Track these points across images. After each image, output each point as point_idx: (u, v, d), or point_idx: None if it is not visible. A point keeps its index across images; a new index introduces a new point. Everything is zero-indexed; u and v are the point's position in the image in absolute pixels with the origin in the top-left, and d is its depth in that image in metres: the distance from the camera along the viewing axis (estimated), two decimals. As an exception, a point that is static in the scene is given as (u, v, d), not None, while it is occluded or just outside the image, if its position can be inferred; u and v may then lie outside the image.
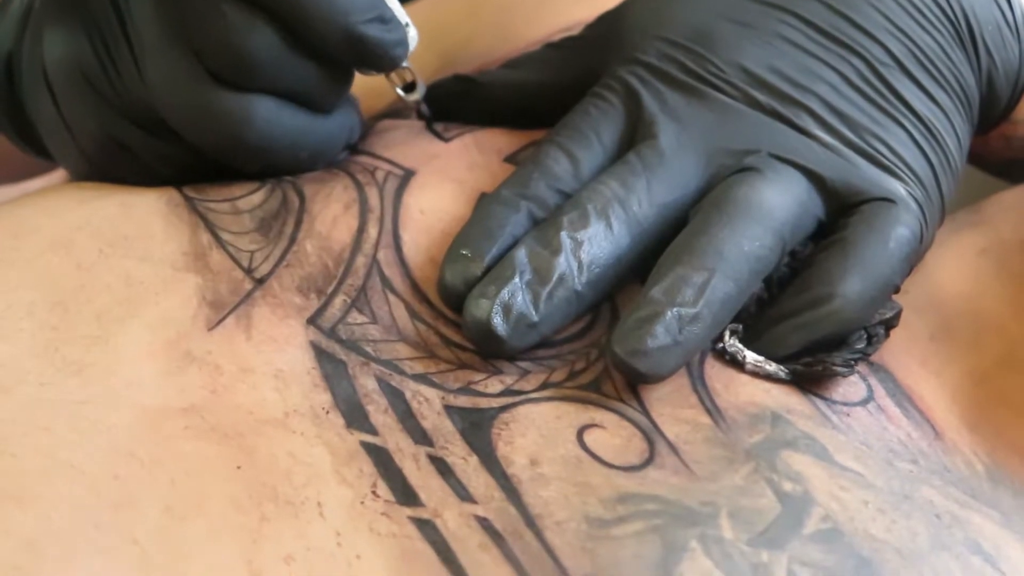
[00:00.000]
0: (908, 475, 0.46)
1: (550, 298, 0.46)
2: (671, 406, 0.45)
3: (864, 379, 0.49)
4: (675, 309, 0.45)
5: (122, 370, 0.44)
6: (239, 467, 0.41)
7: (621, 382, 0.46)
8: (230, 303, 0.46)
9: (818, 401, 0.47)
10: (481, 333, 0.46)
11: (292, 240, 0.48)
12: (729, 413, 0.46)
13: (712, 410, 0.46)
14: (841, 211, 0.49)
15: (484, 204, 0.49)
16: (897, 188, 0.48)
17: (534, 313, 0.46)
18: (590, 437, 0.44)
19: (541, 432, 0.44)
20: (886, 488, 0.45)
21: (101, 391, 0.43)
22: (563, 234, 0.47)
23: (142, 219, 0.48)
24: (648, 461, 0.44)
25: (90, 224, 0.48)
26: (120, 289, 0.46)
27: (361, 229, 0.49)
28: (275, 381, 0.44)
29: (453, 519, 0.41)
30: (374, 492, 0.42)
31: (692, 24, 0.51)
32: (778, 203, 0.48)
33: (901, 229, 0.48)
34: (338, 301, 0.47)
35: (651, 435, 0.44)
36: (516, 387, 0.45)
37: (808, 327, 0.47)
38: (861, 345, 0.48)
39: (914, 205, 0.49)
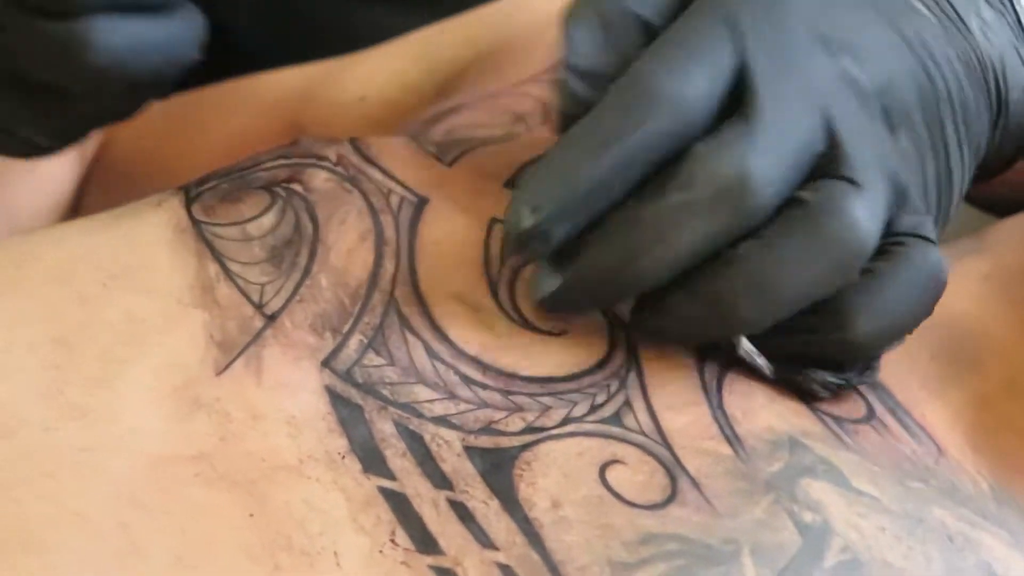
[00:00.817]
0: (920, 495, 0.45)
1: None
2: (692, 437, 0.44)
3: (863, 396, 0.48)
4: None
5: (126, 416, 0.42)
6: (251, 515, 0.40)
7: (643, 412, 0.44)
8: (239, 342, 0.44)
9: (829, 420, 0.46)
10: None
11: (306, 272, 0.47)
12: (748, 442, 0.45)
13: (732, 439, 0.44)
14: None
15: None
16: (931, 228, 0.47)
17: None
18: (612, 475, 0.43)
19: (563, 471, 0.43)
20: (901, 512, 0.44)
21: (105, 437, 0.42)
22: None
23: (146, 248, 0.47)
24: (670, 498, 0.43)
25: (93, 254, 0.47)
26: (123, 327, 0.44)
27: (378, 263, 0.47)
28: (288, 427, 0.43)
29: (474, 567, 0.40)
30: (393, 540, 0.40)
31: None
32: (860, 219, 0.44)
33: (937, 272, 0.46)
34: (354, 341, 0.45)
35: (673, 470, 0.43)
36: (537, 424, 0.44)
37: (812, 344, 0.46)
38: (852, 373, 0.47)
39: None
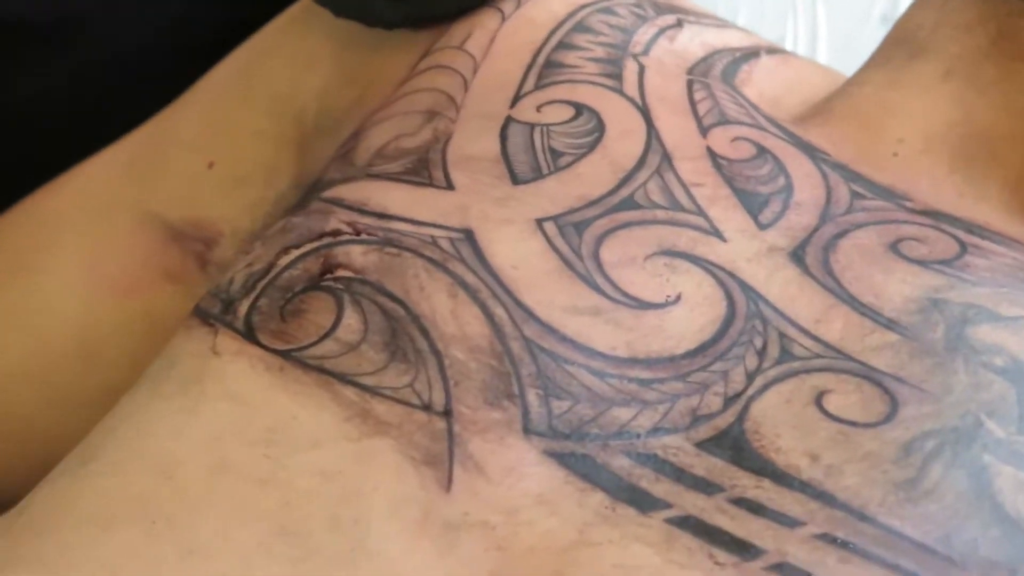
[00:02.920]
0: None
1: None
2: (857, 339, 0.46)
3: (945, 232, 0.50)
4: None
5: (401, 571, 0.41)
6: None
7: (805, 338, 0.46)
8: (441, 451, 0.44)
9: (941, 267, 0.48)
10: None
11: (437, 354, 0.45)
12: (903, 320, 0.47)
13: (890, 325, 0.46)
14: None
15: None
16: None
17: None
18: (832, 406, 0.45)
19: (790, 424, 0.44)
20: None
21: None
22: None
23: (265, 403, 0.45)
24: (894, 406, 0.44)
25: (234, 433, 0.44)
26: (328, 492, 0.43)
27: (488, 314, 0.46)
28: (547, 507, 0.42)
29: (801, 551, 0.41)
30: (715, 561, 0.41)
31: None
32: None
33: None
34: (533, 397, 0.45)
35: (872, 376, 0.45)
36: (731, 392, 0.45)
37: None
38: None
39: None
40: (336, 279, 0.49)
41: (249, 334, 0.48)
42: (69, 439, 0.60)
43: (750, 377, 0.45)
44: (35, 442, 0.65)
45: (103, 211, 0.63)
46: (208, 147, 0.62)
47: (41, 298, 0.63)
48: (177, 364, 0.48)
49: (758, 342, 0.46)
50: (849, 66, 0.61)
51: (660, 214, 0.49)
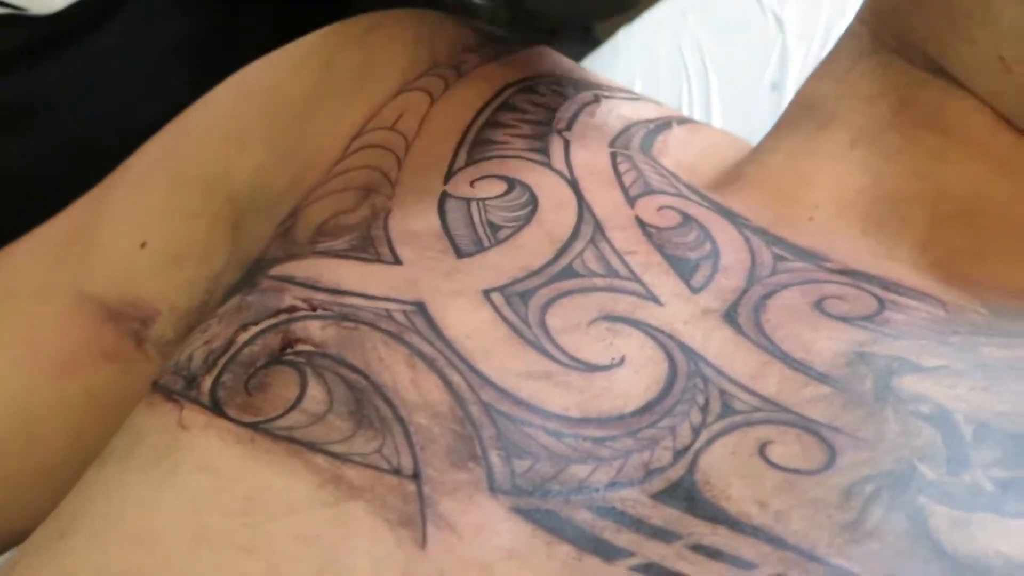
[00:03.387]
0: (966, 345, 0.52)
1: None
2: (793, 392, 0.49)
3: (864, 290, 0.54)
4: None
5: None
6: None
7: (745, 393, 0.49)
8: (413, 511, 0.46)
9: (862, 323, 0.52)
10: None
11: (401, 421, 0.48)
12: (832, 373, 0.50)
13: (821, 378, 0.50)
14: None
15: None
16: None
17: None
18: (775, 456, 0.48)
19: (736, 474, 0.47)
20: (968, 367, 0.51)
21: None
22: None
23: (236, 478, 0.47)
24: (832, 454, 0.48)
25: (212, 503, 0.46)
26: (310, 555, 0.45)
27: (447, 382, 0.49)
28: (517, 562, 0.45)
29: None
30: None
31: None
32: None
33: None
34: (495, 458, 0.47)
35: (809, 426, 0.48)
36: (679, 445, 0.48)
37: None
38: None
39: None
40: (297, 353, 0.51)
41: (216, 408, 0.50)
42: (10, 518, 0.61)
43: (696, 431, 0.48)
44: None
45: (38, 292, 0.64)
46: (140, 227, 0.64)
47: None
48: (145, 439, 0.50)
49: (700, 399, 0.49)
50: (743, 131, 0.65)
51: (599, 281, 0.52)
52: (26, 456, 0.65)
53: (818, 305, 0.52)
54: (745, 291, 0.52)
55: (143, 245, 0.64)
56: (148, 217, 0.64)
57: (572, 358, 0.50)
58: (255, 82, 0.64)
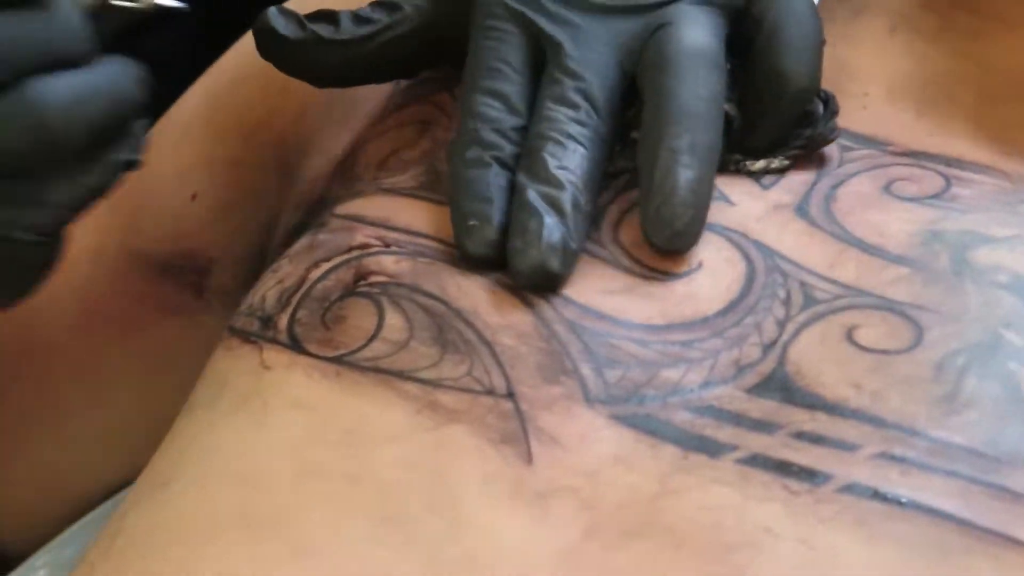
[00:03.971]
0: None
1: (576, 223, 0.49)
2: (872, 275, 0.50)
3: (933, 170, 0.54)
4: (683, 179, 0.49)
5: (502, 540, 0.44)
6: (701, 551, 0.43)
7: (824, 283, 0.49)
8: (516, 430, 0.46)
9: (933, 201, 0.52)
10: (542, 277, 0.48)
11: (486, 343, 0.48)
12: (909, 254, 0.50)
13: (899, 260, 0.50)
14: (739, 15, 0.53)
15: (457, 171, 0.51)
16: None
17: (572, 241, 0.49)
18: (863, 339, 0.48)
19: (829, 361, 0.47)
20: None
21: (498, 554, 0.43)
22: (552, 165, 0.50)
23: (336, 407, 0.47)
24: (919, 331, 0.48)
25: (310, 438, 0.47)
26: (418, 479, 0.45)
27: (528, 303, 0.49)
28: (623, 466, 0.45)
29: (863, 470, 0.45)
30: (790, 491, 0.44)
31: None
32: (702, 37, 0.52)
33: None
34: (587, 370, 0.47)
35: (895, 308, 0.48)
36: (767, 340, 0.48)
37: (780, 116, 0.52)
38: (824, 110, 0.53)
39: None
40: (371, 284, 0.51)
41: (296, 345, 0.50)
42: (90, 478, 0.62)
43: (781, 325, 0.49)
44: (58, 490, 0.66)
45: (91, 256, 0.64)
46: (187, 179, 0.64)
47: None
48: (229, 382, 0.50)
49: (781, 293, 0.49)
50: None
51: None
52: (96, 418, 0.65)
53: (887, 189, 0.52)
54: (815, 184, 0.52)
55: (193, 197, 0.64)
56: (194, 169, 0.64)
57: (650, 269, 0.50)
58: None
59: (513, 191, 0.50)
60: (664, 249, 0.49)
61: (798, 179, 0.52)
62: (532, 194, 0.49)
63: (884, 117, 0.55)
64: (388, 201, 0.54)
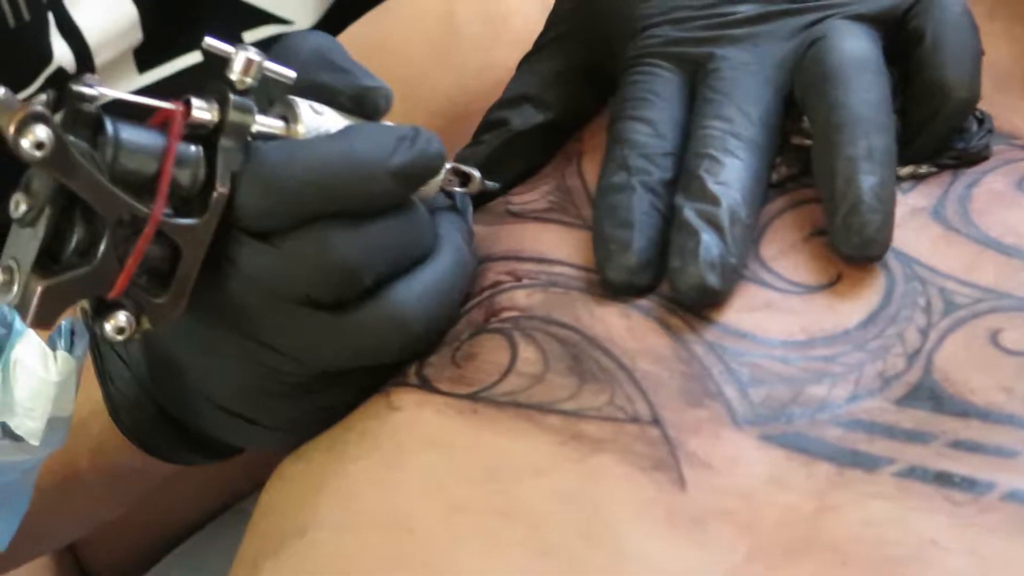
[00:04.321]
0: None
1: (735, 237, 0.48)
2: (1010, 277, 0.49)
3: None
4: (866, 186, 0.48)
5: (665, 567, 0.43)
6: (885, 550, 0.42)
7: (965, 287, 0.48)
8: (665, 456, 0.45)
9: None
10: (703, 294, 0.48)
11: (625, 369, 0.47)
12: None
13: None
14: (894, 28, 0.52)
15: (603, 198, 0.50)
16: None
17: (732, 256, 0.48)
18: (1009, 342, 0.47)
19: (975, 366, 0.46)
20: None
21: None
22: (709, 182, 0.49)
23: (475, 443, 0.47)
24: None
25: (453, 476, 0.46)
26: (571, 510, 0.45)
27: (664, 326, 0.49)
28: (777, 486, 0.44)
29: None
30: (953, 502, 0.43)
31: None
32: (861, 46, 0.51)
33: (954, 3, 0.52)
34: (731, 391, 0.47)
35: None
36: (909, 350, 0.47)
37: (942, 126, 0.52)
38: (978, 126, 0.53)
39: None
40: (501, 320, 0.50)
41: (426, 385, 0.49)
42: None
43: (923, 333, 0.48)
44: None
45: None
46: None
47: None
48: (353, 427, 0.50)
49: (921, 300, 0.48)
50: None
51: (808, 192, 0.51)
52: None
53: (1020, 185, 0.51)
54: (950, 184, 0.51)
55: None
56: None
57: (790, 282, 0.49)
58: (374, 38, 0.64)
59: (660, 216, 0.49)
60: (856, 258, 0.49)
61: (934, 180, 0.52)
62: (689, 213, 0.48)
63: (1002, 107, 0.54)
64: (517, 228, 0.53)
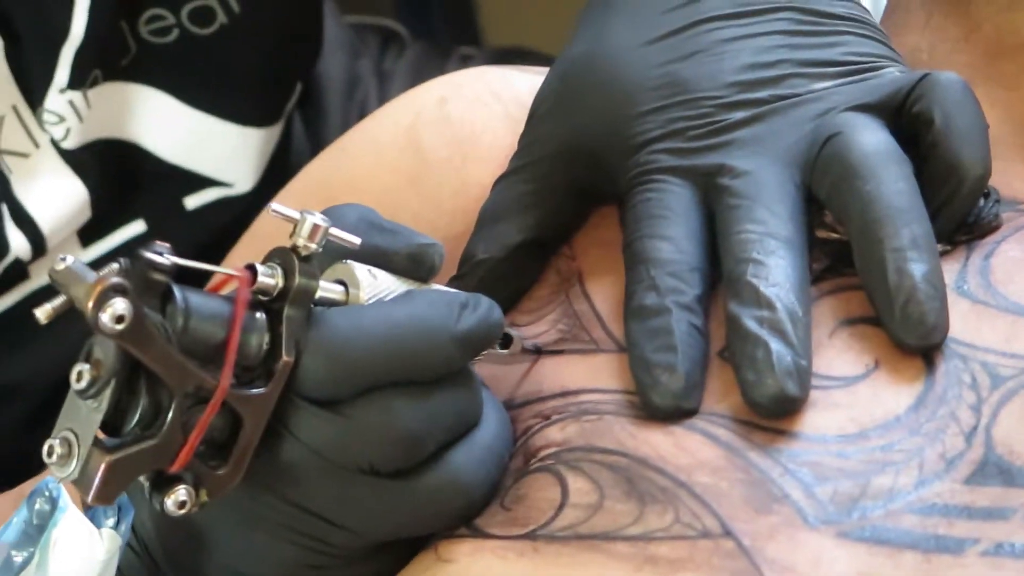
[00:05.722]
0: None
1: (799, 338, 0.48)
2: None
3: None
4: (919, 275, 0.48)
5: None
6: None
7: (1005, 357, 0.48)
8: (746, 566, 0.45)
9: None
10: (784, 404, 0.47)
11: (683, 485, 0.46)
12: None
13: None
14: (896, 112, 0.52)
15: (638, 321, 0.49)
16: (898, 68, 0.53)
17: (802, 359, 0.47)
18: None
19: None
20: None
21: None
22: (761, 286, 0.48)
23: None
24: None
25: None
26: None
27: (711, 437, 0.48)
28: None
29: None
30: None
31: (653, 82, 0.52)
32: (879, 138, 0.51)
33: (956, 82, 0.52)
34: (796, 494, 0.46)
35: None
36: (965, 428, 0.47)
37: (961, 205, 0.51)
38: (985, 199, 0.52)
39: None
40: (542, 459, 0.49)
41: (477, 533, 0.48)
42: None
43: (976, 409, 0.47)
44: None
45: None
46: None
47: None
48: None
49: (966, 377, 0.48)
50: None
51: (825, 286, 0.50)
52: None
53: None
54: (967, 258, 0.51)
55: None
56: None
57: (828, 377, 0.48)
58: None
59: (700, 334, 0.49)
60: (920, 347, 0.48)
61: (950, 256, 0.51)
62: (750, 322, 0.47)
63: (1000, 175, 0.54)
64: (533, 367, 0.52)
